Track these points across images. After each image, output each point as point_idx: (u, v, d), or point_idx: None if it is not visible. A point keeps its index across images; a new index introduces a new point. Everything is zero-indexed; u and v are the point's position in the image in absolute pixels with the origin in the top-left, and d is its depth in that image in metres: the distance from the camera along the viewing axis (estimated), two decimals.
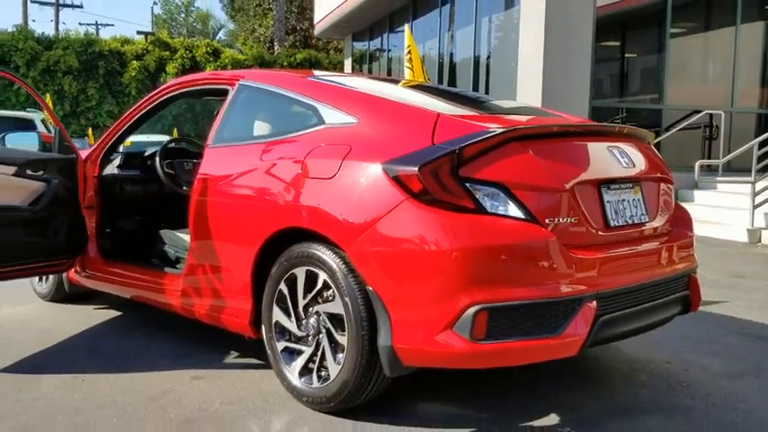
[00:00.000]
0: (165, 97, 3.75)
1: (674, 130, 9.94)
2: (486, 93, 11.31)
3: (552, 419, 2.61)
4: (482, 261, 2.29)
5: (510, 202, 2.38)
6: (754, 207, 7.77)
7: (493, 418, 2.61)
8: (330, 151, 2.68)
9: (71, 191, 3.71)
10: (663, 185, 3.01)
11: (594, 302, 2.40)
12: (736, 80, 10.79)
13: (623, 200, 2.73)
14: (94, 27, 41.29)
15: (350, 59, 19.34)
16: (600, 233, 2.58)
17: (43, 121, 11.68)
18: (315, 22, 19.32)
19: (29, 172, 3.50)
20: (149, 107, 3.82)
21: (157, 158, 4.05)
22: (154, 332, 3.73)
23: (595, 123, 3.06)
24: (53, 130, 3.76)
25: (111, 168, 4.14)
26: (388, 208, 2.40)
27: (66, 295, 4.36)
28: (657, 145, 9.10)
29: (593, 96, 9.82)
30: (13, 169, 3.42)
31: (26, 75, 20.11)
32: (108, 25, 56.70)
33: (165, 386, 2.91)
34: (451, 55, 13.24)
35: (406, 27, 7.09)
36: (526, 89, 9.50)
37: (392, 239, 2.39)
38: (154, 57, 22.05)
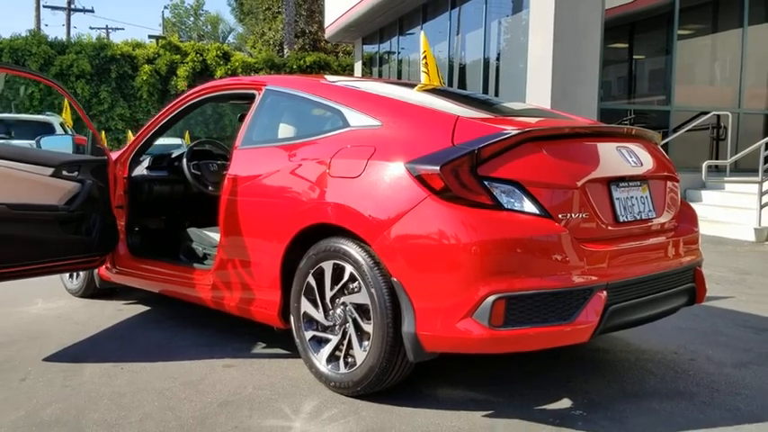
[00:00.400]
0: (193, 102, 3.94)
1: (681, 131, 10.06)
2: (496, 95, 11.45)
3: (565, 403, 2.77)
4: (500, 253, 2.46)
5: (525, 199, 2.55)
6: (761, 207, 7.90)
7: (509, 401, 2.78)
8: (355, 152, 2.85)
9: (103, 191, 3.89)
10: (669, 183, 3.18)
11: (605, 292, 2.57)
12: (744, 81, 10.90)
13: (632, 197, 2.89)
14: (105, 31, 41.68)
15: (360, 62, 19.52)
16: (609, 228, 2.74)
17: (61, 125, 11.89)
18: (325, 25, 19.51)
19: (64, 173, 3.69)
20: (177, 111, 4.00)
21: (184, 160, 4.23)
22: (181, 325, 3.92)
23: (604, 125, 3.22)
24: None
25: (140, 170, 4.33)
26: (412, 204, 2.58)
27: (95, 291, 4.55)
28: (666, 146, 9.23)
29: (602, 98, 9.96)
30: (50, 170, 3.61)
31: None
32: (118, 29, 57.23)
33: (200, 373, 3.09)
34: (461, 57, 13.39)
35: (422, 33, 7.25)
36: (535, 91, 9.63)
37: (415, 234, 2.56)
38: (165, 60, 22.29)
